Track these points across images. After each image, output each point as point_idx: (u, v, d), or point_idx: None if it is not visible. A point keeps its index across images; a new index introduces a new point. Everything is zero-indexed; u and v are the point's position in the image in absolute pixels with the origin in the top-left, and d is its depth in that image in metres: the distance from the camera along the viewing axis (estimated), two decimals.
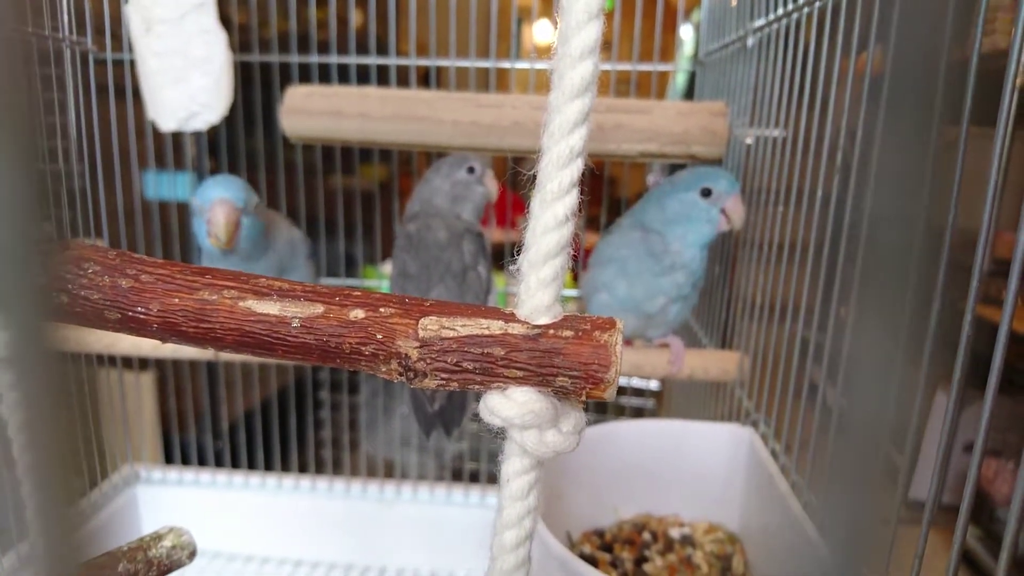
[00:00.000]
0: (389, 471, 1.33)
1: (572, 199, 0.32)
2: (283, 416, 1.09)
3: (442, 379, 0.32)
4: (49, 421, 0.17)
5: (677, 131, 0.76)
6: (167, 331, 0.34)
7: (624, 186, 1.27)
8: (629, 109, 0.76)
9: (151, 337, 0.35)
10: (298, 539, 1.00)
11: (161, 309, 0.34)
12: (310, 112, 0.83)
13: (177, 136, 0.94)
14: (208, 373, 1.45)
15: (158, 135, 0.90)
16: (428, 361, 0.32)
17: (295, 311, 0.33)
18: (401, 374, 0.33)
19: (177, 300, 0.34)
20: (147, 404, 1.35)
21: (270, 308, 0.33)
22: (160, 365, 1.40)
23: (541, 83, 1.04)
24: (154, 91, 0.80)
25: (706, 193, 0.74)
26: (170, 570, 0.47)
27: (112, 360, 0.98)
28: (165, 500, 0.99)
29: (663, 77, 0.97)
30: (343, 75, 0.98)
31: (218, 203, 0.69)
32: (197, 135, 1.00)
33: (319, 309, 0.33)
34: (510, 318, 0.33)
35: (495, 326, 0.32)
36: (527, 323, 0.33)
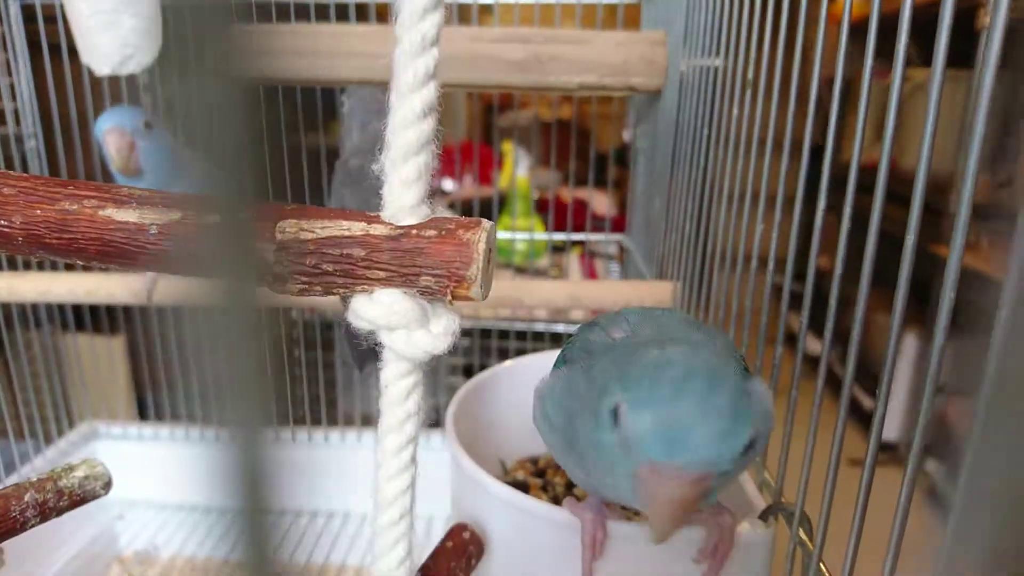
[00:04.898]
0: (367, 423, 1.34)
1: (430, 91, 0.31)
2: None
3: (303, 283, 0.32)
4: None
5: (616, 61, 0.74)
6: (32, 244, 0.34)
7: (598, 140, 1.26)
8: (567, 39, 0.74)
9: (17, 252, 0.34)
10: None
11: (24, 221, 0.33)
12: None
13: (133, 90, 0.92)
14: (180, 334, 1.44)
15: (114, 91, 0.89)
16: (286, 264, 0.31)
17: (153, 218, 0.32)
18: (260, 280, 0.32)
19: (39, 211, 0.33)
20: (119, 368, 1.34)
21: (129, 216, 0.32)
22: (130, 328, 1.39)
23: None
24: (86, 36, 0.78)
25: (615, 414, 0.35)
26: (83, 501, 0.47)
27: (80, 325, 0.97)
28: (127, 455, 0.99)
29: (610, 10, 0.94)
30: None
31: (107, 132, 0.74)
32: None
33: (177, 215, 0.32)
34: (373, 220, 0.32)
35: (356, 227, 0.32)
36: (391, 224, 0.32)
